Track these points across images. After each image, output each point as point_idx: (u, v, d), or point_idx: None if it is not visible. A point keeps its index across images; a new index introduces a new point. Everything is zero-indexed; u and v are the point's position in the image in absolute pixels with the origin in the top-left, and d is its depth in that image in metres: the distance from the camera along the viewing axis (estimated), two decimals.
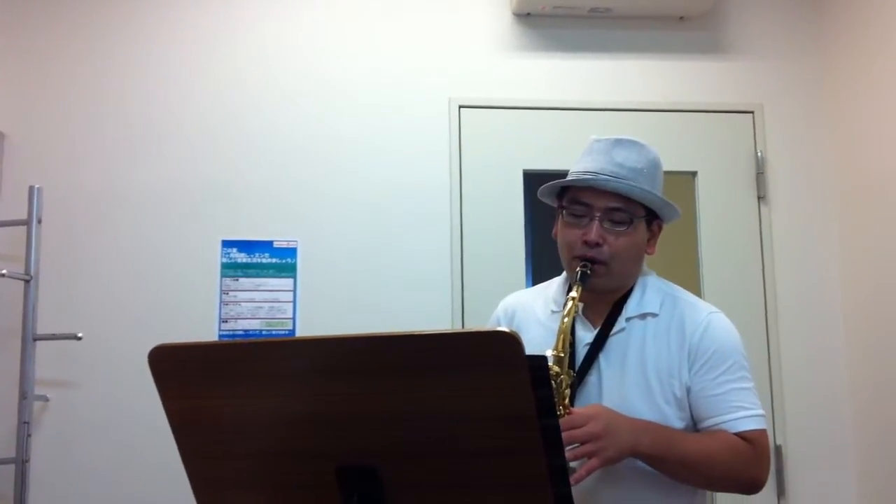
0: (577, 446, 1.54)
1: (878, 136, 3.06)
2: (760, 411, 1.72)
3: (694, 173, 3.27)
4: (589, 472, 1.54)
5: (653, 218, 1.80)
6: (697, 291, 3.14)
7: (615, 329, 1.77)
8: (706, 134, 3.30)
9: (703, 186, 3.27)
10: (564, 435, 1.52)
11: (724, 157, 3.30)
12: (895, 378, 2.94)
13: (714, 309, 1.80)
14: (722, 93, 3.35)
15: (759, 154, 3.29)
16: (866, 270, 3.12)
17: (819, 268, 3.27)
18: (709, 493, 1.86)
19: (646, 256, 1.85)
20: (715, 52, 3.37)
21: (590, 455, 1.54)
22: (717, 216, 3.26)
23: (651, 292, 1.81)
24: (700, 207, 3.26)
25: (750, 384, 1.73)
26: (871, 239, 3.08)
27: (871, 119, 3.11)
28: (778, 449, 3.09)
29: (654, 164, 1.79)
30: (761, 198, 3.28)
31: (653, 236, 1.83)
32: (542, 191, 1.85)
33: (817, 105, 3.36)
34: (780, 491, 3.09)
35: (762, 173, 3.28)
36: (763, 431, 1.70)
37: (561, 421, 1.56)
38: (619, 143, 1.77)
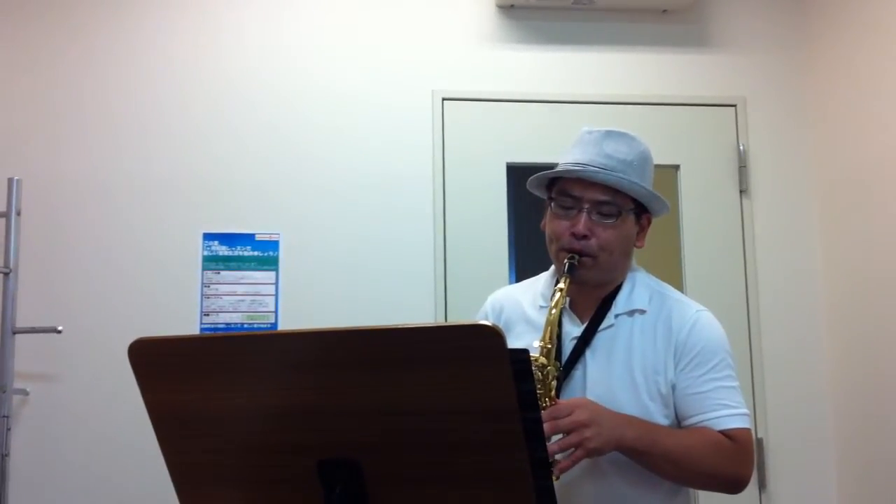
0: (562, 437, 1.54)
1: (860, 130, 3.07)
2: (745, 410, 1.72)
3: (676, 167, 3.28)
4: (574, 463, 1.54)
5: (642, 211, 1.80)
6: (679, 285, 3.15)
7: (604, 325, 1.77)
8: (689, 127, 3.31)
9: (685, 180, 3.28)
10: (550, 424, 1.53)
11: (706, 151, 3.31)
12: (876, 371, 2.96)
13: (702, 307, 1.80)
14: (705, 86, 3.35)
15: (741, 147, 3.30)
16: (848, 264, 3.13)
17: (801, 261, 3.29)
18: (692, 491, 1.85)
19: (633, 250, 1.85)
20: (698, 45, 3.38)
21: (575, 446, 1.54)
22: (700, 209, 3.27)
23: (640, 289, 1.81)
24: (682, 201, 3.27)
25: (735, 383, 1.74)
26: (853, 232, 3.10)
27: (853, 113, 3.12)
28: (759, 441, 3.10)
29: (644, 157, 1.78)
30: (743, 191, 3.29)
31: (642, 230, 1.82)
32: (532, 182, 1.84)
33: (800, 99, 3.38)
34: (761, 483, 3.11)
35: (744, 167, 3.29)
36: (747, 430, 1.71)
37: (547, 410, 1.56)
38: (609, 134, 1.76)
